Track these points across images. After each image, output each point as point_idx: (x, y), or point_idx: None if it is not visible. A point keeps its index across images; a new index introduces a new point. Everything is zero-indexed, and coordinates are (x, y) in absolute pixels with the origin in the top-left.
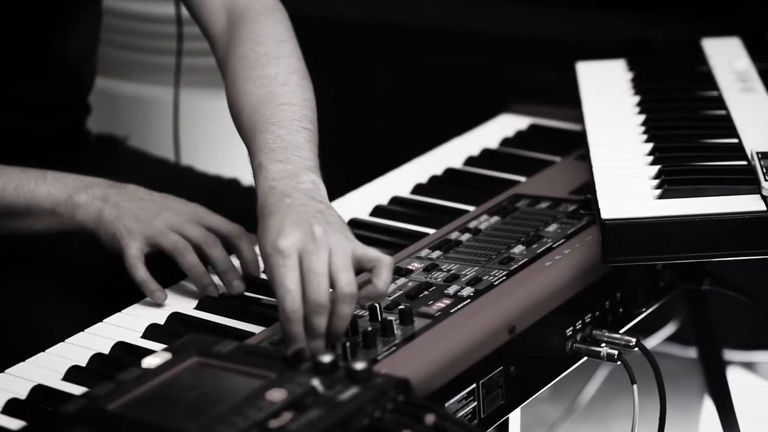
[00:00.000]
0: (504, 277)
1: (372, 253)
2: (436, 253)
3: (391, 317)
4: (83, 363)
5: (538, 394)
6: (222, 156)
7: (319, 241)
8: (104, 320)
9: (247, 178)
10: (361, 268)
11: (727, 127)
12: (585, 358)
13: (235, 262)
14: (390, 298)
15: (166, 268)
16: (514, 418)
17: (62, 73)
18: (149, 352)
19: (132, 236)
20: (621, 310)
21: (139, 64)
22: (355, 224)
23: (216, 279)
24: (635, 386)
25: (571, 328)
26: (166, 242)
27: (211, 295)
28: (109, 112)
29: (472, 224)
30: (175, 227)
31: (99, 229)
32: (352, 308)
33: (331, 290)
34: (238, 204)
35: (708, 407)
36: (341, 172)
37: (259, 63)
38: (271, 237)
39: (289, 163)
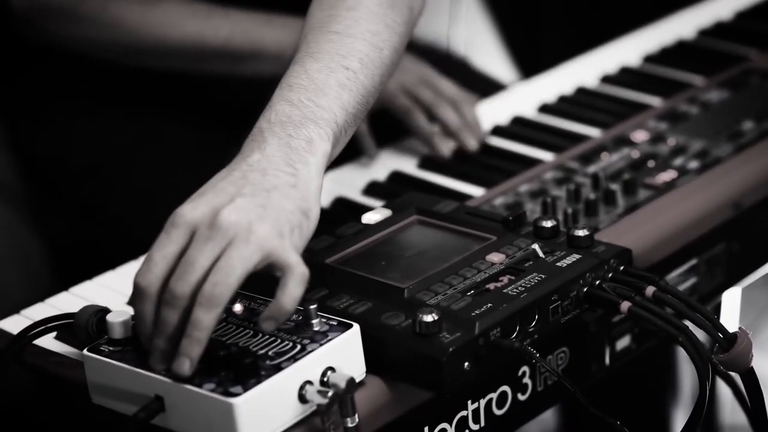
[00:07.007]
0: (732, 152)
1: (287, 258)
2: (663, 125)
3: (614, 186)
4: None
5: (760, 272)
6: None
7: (216, 227)
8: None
9: None
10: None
11: None
12: None
13: None
14: (614, 169)
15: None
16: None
17: None
18: (368, 208)
19: None
20: None
21: None
22: (583, 92)
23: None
24: None
25: None
26: (396, 103)
27: (441, 154)
28: None
29: (702, 97)
30: (407, 88)
31: None
32: (211, 318)
33: None
34: None
35: None
36: (567, 38)
37: None
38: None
39: (297, 109)
